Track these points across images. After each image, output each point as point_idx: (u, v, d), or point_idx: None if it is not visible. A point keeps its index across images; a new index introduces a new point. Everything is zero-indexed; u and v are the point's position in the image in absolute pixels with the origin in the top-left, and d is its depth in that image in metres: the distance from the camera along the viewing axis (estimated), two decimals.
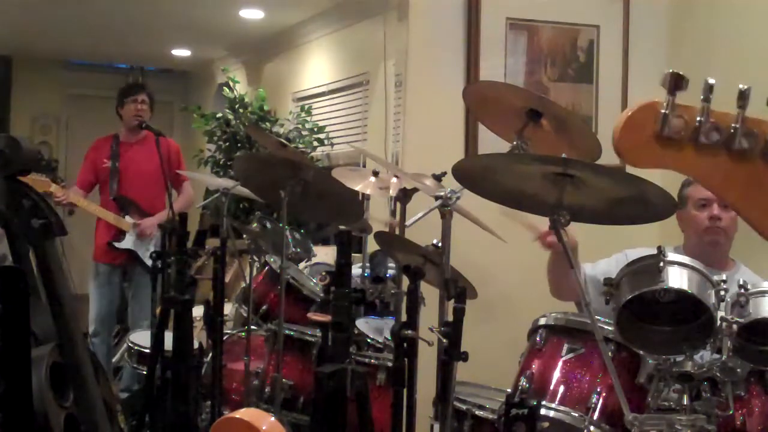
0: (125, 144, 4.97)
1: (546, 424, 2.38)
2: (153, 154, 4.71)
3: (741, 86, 0.79)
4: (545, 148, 2.47)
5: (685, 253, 2.89)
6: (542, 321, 2.60)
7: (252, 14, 6.62)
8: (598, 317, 2.28)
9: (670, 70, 0.78)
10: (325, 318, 2.44)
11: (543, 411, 2.37)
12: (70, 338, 1.81)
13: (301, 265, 4.37)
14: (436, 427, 2.35)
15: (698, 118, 0.79)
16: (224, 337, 3.59)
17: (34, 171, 2.50)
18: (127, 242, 4.85)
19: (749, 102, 0.79)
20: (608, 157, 2.33)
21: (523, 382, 2.51)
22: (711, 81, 0.79)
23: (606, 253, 2.97)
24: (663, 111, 0.79)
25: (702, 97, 0.79)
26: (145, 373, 3.84)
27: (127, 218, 4.86)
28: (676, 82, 0.78)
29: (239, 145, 6.57)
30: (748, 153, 0.80)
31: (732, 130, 0.79)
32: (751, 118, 0.79)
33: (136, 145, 4.97)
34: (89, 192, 4.97)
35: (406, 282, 2.56)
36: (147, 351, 3.94)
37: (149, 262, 4.79)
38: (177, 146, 5.20)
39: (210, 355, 3.54)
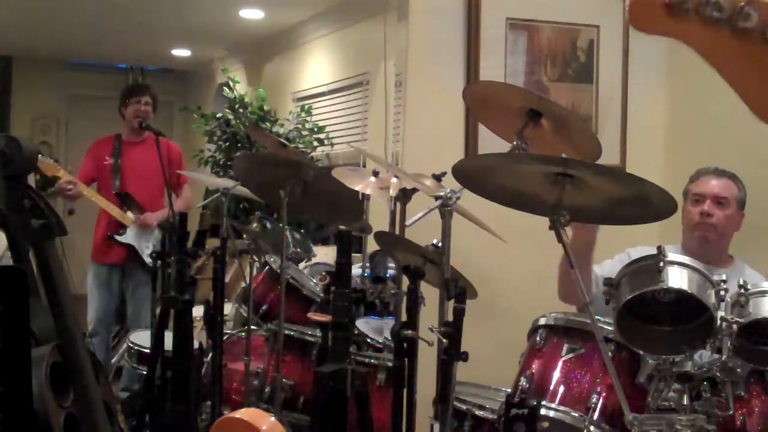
0: (128, 143, 4.98)
1: (546, 424, 2.38)
2: (155, 155, 4.71)
3: None
4: (545, 148, 2.47)
5: (683, 249, 2.90)
6: (542, 321, 2.60)
7: (252, 14, 6.62)
8: (599, 317, 2.28)
9: None
10: (325, 318, 2.44)
11: (543, 411, 2.37)
12: (70, 338, 1.81)
13: (301, 265, 4.37)
14: (436, 427, 2.35)
15: None
16: (224, 337, 3.59)
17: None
18: (128, 237, 4.85)
19: None
20: (608, 157, 2.34)
21: (523, 382, 2.51)
22: None
23: (606, 253, 2.97)
24: None
25: None
26: (145, 373, 3.85)
27: (129, 214, 4.87)
28: None
29: (239, 145, 6.58)
30: (750, 32, 0.82)
31: (737, 8, 0.82)
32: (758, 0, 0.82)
33: (139, 145, 4.97)
34: (89, 186, 4.97)
35: (406, 282, 2.56)
36: (147, 351, 3.94)
37: (148, 261, 4.82)
38: (179, 149, 5.19)
39: (210, 355, 3.54)
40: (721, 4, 0.83)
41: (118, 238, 4.84)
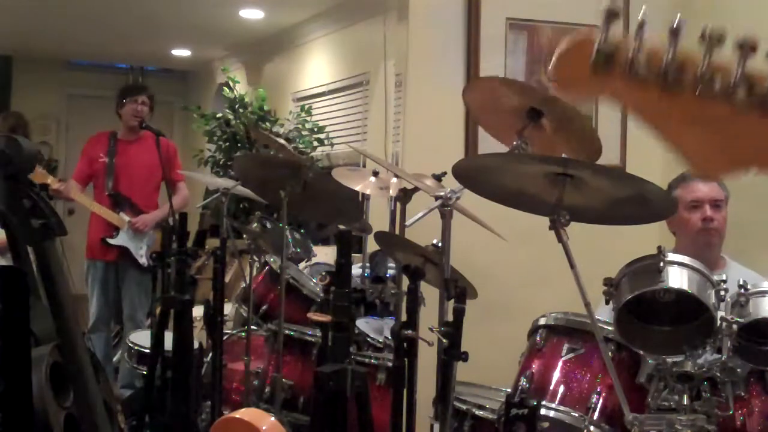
0: (123, 141, 4.98)
1: (546, 424, 2.38)
2: (150, 153, 4.72)
3: (674, 23, 0.82)
4: (546, 147, 2.47)
5: (678, 254, 2.90)
6: (542, 321, 2.60)
7: (252, 14, 6.62)
8: (598, 317, 2.28)
9: (609, 7, 0.83)
10: (325, 318, 2.44)
11: (543, 411, 2.37)
12: (70, 338, 1.81)
13: (301, 265, 4.37)
14: (436, 427, 2.35)
15: (632, 52, 0.82)
16: (224, 337, 3.59)
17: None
18: (121, 239, 4.85)
19: (683, 38, 0.83)
20: (608, 157, 2.34)
21: (523, 382, 2.51)
22: (644, 13, 0.83)
23: (606, 252, 2.97)
24: (597, 44, 0.83)
25: (635, 32, 0.82)
26: (144, 372, 3.85)
27: (122, 215, 4.87)
28: (609, 17, 0.82)
29: (239, 145, 6.58)
30: (678, 88, 0.82)
31: (663, 65, 0.82)
32: (682, 53, 0.81)
33: (134, 143, 4.98)
34: (86, 185, 4.99)
35: (406, 282, 2.56)
36: (147, 351, 3.94)
37: (142, 261, 4.83)
38: (175, 146, 5.20)
39: (210, 355, 3.54)
40: (648, 63, 0.82)
41: (110, 241, 4.84)
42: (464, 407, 2.71)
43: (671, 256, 2.16)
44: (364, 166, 5.40)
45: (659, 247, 2.15)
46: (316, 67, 6.81)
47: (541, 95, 2.51)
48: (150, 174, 4.90)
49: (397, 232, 3.10)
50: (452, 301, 2.27)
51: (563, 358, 2.48)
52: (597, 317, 2.25)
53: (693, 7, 4.18)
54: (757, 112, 0.81)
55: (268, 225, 4.32)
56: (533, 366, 2.53)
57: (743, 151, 0.86)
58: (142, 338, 4.23)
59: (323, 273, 3.91)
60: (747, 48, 0.80)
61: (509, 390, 2.59)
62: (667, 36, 0.82)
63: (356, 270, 3.26)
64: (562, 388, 2.45)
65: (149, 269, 4.74)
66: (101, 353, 4.83)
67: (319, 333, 3.11)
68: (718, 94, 0.81)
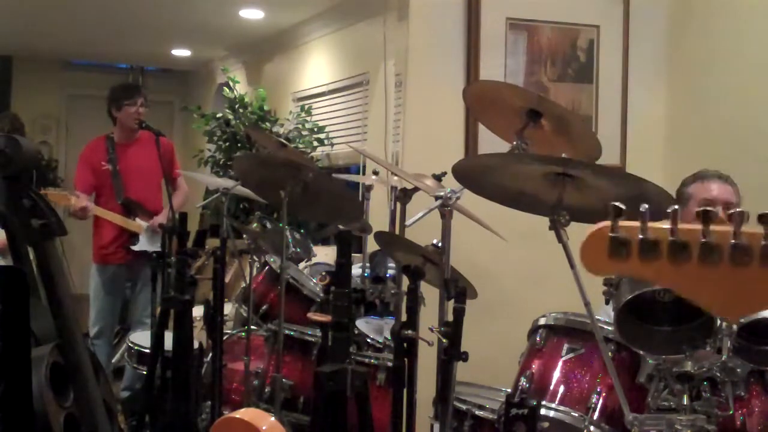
0: (121, 145, 4.93)
1: (546, 424, 2.38)
2: (149, 153, 4.70)
3: (670, 208, 1.01)
4: (545, 148, 2.47)
5: None
6: (542, 321, 2.60)
7: (252, 14, 6.62)
8: (598, 317, 2.28)
9: (612, 204, 1.03)
10: (325, 318, 2.44)
11: (543, 411, 2.37)
12: (70, 338, 1.81)
13: (301, 265, 4.37)
14: (436, 427, 2.35)
15: (639, 236, 1.01)
16: (224, 337, 3.59)
17: (36, 172, 2.49)
18: (142, 244, 4.84)
19: (680, 218, 1.01)
20: (608, 157, 2.34)
21: (523, 382, 2.51)
22: (644, 207, 1.01)
23: None
24: (609, 234, 1.02)
25: (640, 220, 1.01)
26: (145, 373, 3.84)
27: (138, 221, 4.86)
28: (616, 212, 1.02)
29: (239, 145, 6.57)
30: (685, 258, 1.00)
31: (668, 242, 1.00)
32: (681, 229, 1.00)
33: (132, 145, 4.94)
34: (90, 196, 4.93)
35: (406, 282, 2.56)
36: (147, 351, 3.94)
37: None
38: (171, 143, 5.18)
39: (210, 355, 3.54)
40: (654, 242, 1.01)
41: (134, 248, 4.83)
42: (464, 407, 2.71)
43: None
44: (364, 166, 5.40)
45: None
46: (316, 67, 6.81)
47: (539, 97, 2.51)
48: (152, 175, 4.88)
49: (397, 232, 3.10)
50: (452, 301, 2.27)
51: (563, 358, 2.48)
52: (597, 317, 2.25)
53: (693, 8, 4.18)
54: (756, 265, 0.99)
55: (268, 225, 4.32)
56: (533, 366, 2.54)
57: (754, 296, 1.03)
58: (142, 338, 4.23)
59: (323, 273, 3.92)
60: (738, 219, 1.00)
61: (509, 390, 2.59)
62: (669, 218, 1.01)
63: (356, 270, 3.26)
64: (562, 388, 2.45)
65: None
66: (103, 359, 4.80)
67: (319, 333, 3.11)
68: (719, 258, 1.00)
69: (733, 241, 0.99)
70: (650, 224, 1.01)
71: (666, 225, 1.00)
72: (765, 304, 1.03)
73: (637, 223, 1.01)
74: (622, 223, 1.02)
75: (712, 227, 1.00)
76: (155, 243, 4.82)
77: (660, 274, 1.01)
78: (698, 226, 1.00)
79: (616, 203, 1.03)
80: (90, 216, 4.74)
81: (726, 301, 1.03)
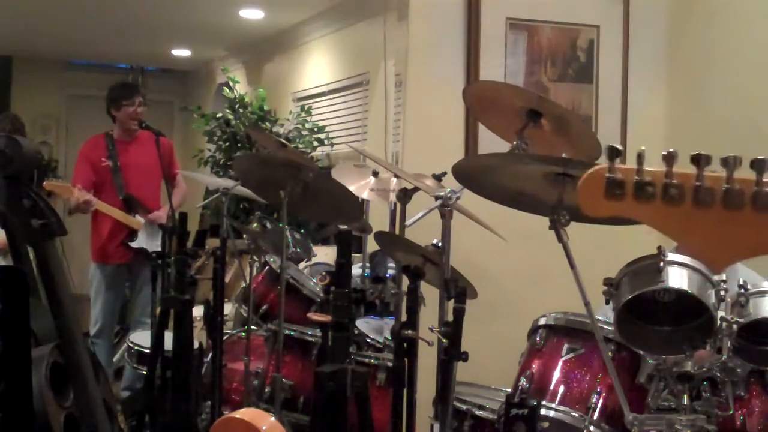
0: (121, 142, 4.93)
1: (546, 424, 2.38)
2: (149, 150, 4.70)
3: (666, 151, 1.04)
4: (545, 148, 2.47)
5: (680, 253, 2.89)
6: (542, 321, 2.60)
7: (252, 14, 6.62)
8: (599, 317, 2.28)
9: (608, 145, 1.07)
10: (325, 318, 2.44)
11: (543, 411, 2.37)
12: (70, 338, 1.81)
13: (301, 265, 4.37)
14: (436, 427, 2.35)
15: (635, 177, 1.04)
16: (224, 337, 3.59)
17: (36, 172, 2.49)
18: (140, 241, 4.83)
19: (676, 161, 1.04)
20: None
21: (523, 382, 2.51)
22: (641, 150, 1.04)
23: (606, 252, 2.96)
24: (606, 174, 1.05)
25: (637, 162, 1.04)
26: (145, 372, 3.84)
27: (137, 217, 4.86)
28: (613, 153, 1.06)
29: (239, 145, 6.57)
30: (679, 200, 1.03)
31: (664, 185, 1.03)
32: (677, 173, 1.03)
33: (132, 143, 4.95)
34: (90, 191, 4.93)
35: (406, 282, 2.56)
36: (147, 351, 3.94)
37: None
38: (170, 142, 5.18)
39: (210, 355, 3.54)
40: (649, 184, 1.05)
41: (132, 245, 4.83)
42: (464, 407, 2.71)
43: (671, 256, 2.16)
44: (365, 164, 5.39)
45: (659, 247, 2.15)
46: (316, 67, 6.81)
47: (539, 97, 2.51)
48: (152, 173, 4.88)
49: (397, 232, 3.10)
50: (452, 301, 2.27)
51: (563, 358, 2.49)
52: (597, 317, 2.25)
53: (693, 8, 4.18)
54: (748, 210, 1.01)
55: (268, 225, 4.32)
56: (533, 366, 2.54)
57: (743, 242, 1.05)
58: (142, 338, 4.23)
59: (323, 273, 3.92)
60: (732, 163, 1.02)
61: (509, 390, 2.59)
62: (663, 161, 1.04)
63: (356, 270, 3.26)
64: (562, 388, 2.45)
65: None
66: (104, 358, 4.80)
67: (319, 333, 3.11)
68: (712, 202, 1.02)
69: (726, 185, 1.01)
70: (646, 167, 1.04)
71: (662, 168, 1.03)
72: (754, 249, 1.05)
73: (633, 166, 1.04)
74: (619, 165, 1.05)
75: (706, 172, 1.02)
76: (153, 241, 4.82)
77: (654, 216, 1.04)
78: (693, 171, 1.02)
79: (614, 144, 1.07)
80: (92, 209, 4.71)
81: (716, 246, 1.05)
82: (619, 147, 1.06)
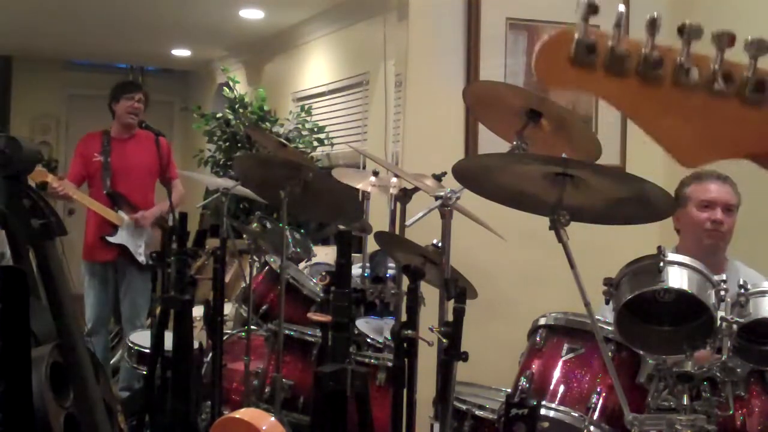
0: (117, 140, 4.95)
1: (546, 424, 2.38)
2: (145, 151, 4.72)
3: (649, 16, 0.86)
4: (545, 148, 2.47)
5: (680, 253, 2.89)
6: (542, 321, 2.60)
7: (252, 14, 6.62)
8: (599, 317, 2.28)
9: (587, 1, 0.86)
10: (325, 318, 2.44)
11: (543, 411, 2.37)
12: (70, 338, 1.81)
13: (301, 265, 4.37)
14: (436, 427, 2.35)
15: (609, 43, 0.86)
16: (224, 337, 3.59)
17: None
18: (120, 237, 4.83)
19: (658, 31, 0.87)
20: (608, 157, 2.34)
21: (523, 382, 2.51)
22: (621, 9, 0.87)
23: (606, 253, 2.96)
24: (576, 36, 0.85)
25: (614, 23, 0.86)
26: (144, 372, 3.84)
27: (120, 213, 4.86)
28: (589, 10, 0.86)
29: (239, 145, 6.58)
30: (657, 79, 0.85)
31: (642, 57, 0.85)
32: (661, 46, 0.85)
33: (128, 142, 4.95)
34: (80, 186, 4.95)
35: (406, 282, 2.56)
36: (147, 351, 3.94)
37: (141, 259, 4.81)
38: (168, 143, 5.19)
39: (210, 355, 3.54)
40: (626, 55, 0.86)
41: (110, 239, 4.82)
42: (464, 407, 2.71)
43: (671, 256, 2.16)
44: (364, 166, 5.40)
45: (659, 247, 2.15)
46: (316, 67, 6.81)
47: (539, 97, 2.51)
48: (146, 173, 4.90)
49: (397, 232, 3.10)
50: (452, 301, 2.27)
51: (563, 358, 2.48)
52: (597, 317, 2.25)
53: (693, 8, 4.18)
54: (735, 101, 0.85)
55: (268, 225, 4.32)
56: (533, 366, 2.53)
57: (723, 139, 0.90)
58: (142, 338, 4.23)
59: (323, 273, 3.91)
60: (724, 40, 0.85)
61: (509, 390, 2.59)
62: (645, 29, 0.85)
63: (356, 270, 3.26)
64: (562, 388, 2.45)
65: (149, 268, 4.72)
66: (99, 356, 4.81)
67: (319, 333, 3.11)
68: (695, 85, 0.85)
69: (714, 66, 0.86)
70: (624, 36, 0.87)
71: (644, 39, 0.86)
72: (734, 150, 0.92)
73: (609, 31, 0.86)
74: (593, 29, 0.87)
75: (693, 50, 0.86)
76: (135, 238, 4.82)
77: (623, 95, 0.87)
78: (677, 46, 0.86)
79: (591, 1, 0.88)
80: (66, 196, 4.68)
81: (692, 141, 0.90)
82: (597, 3, 0.87)
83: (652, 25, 0.87)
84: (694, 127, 0.88)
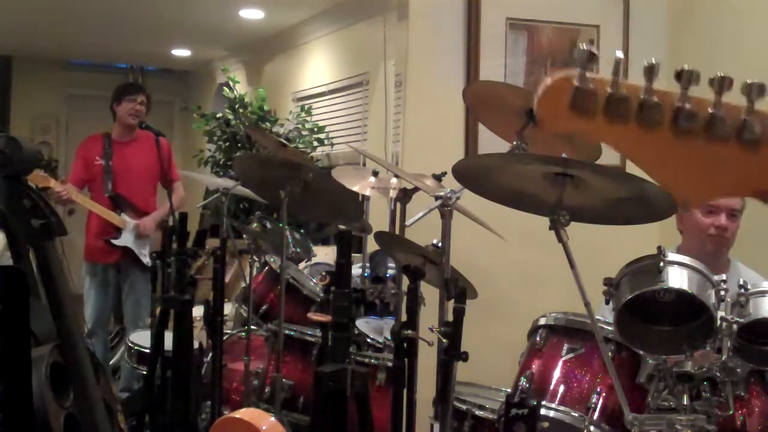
0: (118, 143, 4.94)
1: (546, 424, 2.38)
2: (145, 153, 4.72)
3: (647, 62, 0.86)
4: (545, 148, 2.47)
5: (682, 253, 2.89)
6: (542, 321, 2.60)
7: (252, 14, 6.62)
8: (599, 317, 2.28)
9: (584, 48, 0.87)
10: (325, 318, 2.44)
11: (543, 411, 2.37)
12: (70, 338, 1.81)
13: (301, 265, 4.37)
14: (436, 427, 2.35)
15: (608, 90, 0.86)
16: (224, 337, 3.59)
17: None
18: (125, 239, 4.83)
19: (657, 76, 0.87)
20: (608, 157, 2.34)
21: (523, 382, 2.51)
22: (619, 55, 0.87)
23: (606, 253, 2.96)
24: (575, 83, 0.86)
25: (612, 71, 0.87)
26: (144, 372, 3.84)
27: (123, 216, 4.86)
28: (586, 58, 0.86)
29: (239, 145, 6.58)
30: (656, 123, 0.86)
31: (640, 102, 0.86)
32: (659, 90, 0.86)
33: (130, 144, 4.95)
34: (82, 189, 4.94)
35: (406, 282, 2.56)
36: (147, 351, 3.94)
37: (146, 261, 4.81)
38: (168, 145, 5.19)
39: (210, 355, 3.54)
40: (625, 100, 0.86)
41: (114, 242, 4.82)
42: (464, 407, 2.71)
43: (671, 256, 2.16)
44: (364, 166, 5.40)
45: (659, 247, 2.15)
46: (316, 67, 6.81)
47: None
48: (148, 175, 4.90)
49: (397, 232, 3.10)
50: (452, 301, 2.27)
51: (563, 358, 2.48)
52: (597, 317, 2.25)
53: (693, 8, 4.18)
54: (734, 144, 0.86)
55: (268, 225, 4.32)
56: (533, 366, 2.53)
57: (724, 180, 0.91)
58: (142, 338, 4.23)
59: (323, 273, 3.91)
60: (722, 85, 0.86)
61: (509, 390, 2.59)
62: (643, 75, 0.86)
63: (356, 270, 3.26)
64: (562, 388, 2.45)
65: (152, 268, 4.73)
66: (99, 356, 4.80)
67: (319, 333, 3.11)
68: (694, 128, 0.86)
69: (711, 110, 0.86)
70: (623, 81, 0.87)
71: (643, 84, 0.87)
72: (734, 189, 0.93)
73: (608, 76, 0.87)
74: (592, 74, 0.87)
75: (692, 93, 0.87)
76: (140, 241, 4.82)
77: (624, 139, 0.88)
78: (676, 90, 0.87)
79: (589, 48, 0.88)
80: (69, 200, 4.68)
81: (693, 183, 0.91)
82: (596, 52, 0.88)
83: (650, 71, 0.87)
84: (694, 170, 0.90)
